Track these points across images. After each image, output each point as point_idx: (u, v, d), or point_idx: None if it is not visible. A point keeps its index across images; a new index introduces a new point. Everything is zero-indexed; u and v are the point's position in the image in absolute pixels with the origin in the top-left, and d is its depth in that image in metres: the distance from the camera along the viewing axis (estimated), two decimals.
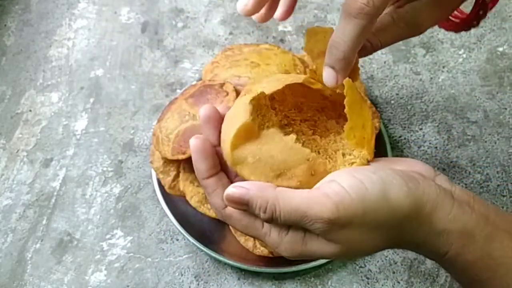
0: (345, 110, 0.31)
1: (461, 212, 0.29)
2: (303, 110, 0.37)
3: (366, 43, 0.36)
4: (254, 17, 0.37)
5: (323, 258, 0.30)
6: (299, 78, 0.34)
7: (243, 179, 0.31)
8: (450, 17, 0.42)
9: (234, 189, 0.29)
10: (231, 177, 0.34)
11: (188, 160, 0.49)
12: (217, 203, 0.32)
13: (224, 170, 0.34)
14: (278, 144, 0.30)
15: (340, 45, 0.31)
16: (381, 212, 0.28)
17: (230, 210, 0.32)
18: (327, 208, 0.27)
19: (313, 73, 0.35)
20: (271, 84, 0.33)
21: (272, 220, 0.29)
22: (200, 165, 0.32)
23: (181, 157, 0.47)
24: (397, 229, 0.29)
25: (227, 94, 0.48)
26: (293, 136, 0.31)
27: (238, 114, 0.31)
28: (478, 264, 0.29)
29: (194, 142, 0.32)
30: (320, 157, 0.32)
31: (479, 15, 0.39)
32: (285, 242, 0.30)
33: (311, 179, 0.30)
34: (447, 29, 0.43)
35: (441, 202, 0.29)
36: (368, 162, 0.32)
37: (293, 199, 0.28)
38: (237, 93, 0.48)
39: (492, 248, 0.29)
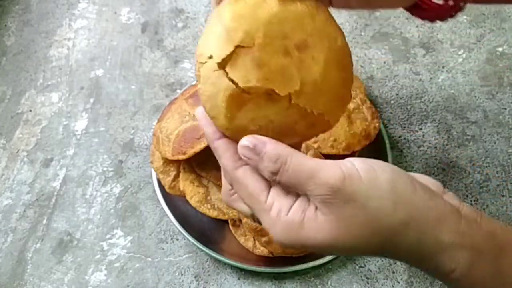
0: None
1: (468, 228, 0.28)
2: None
3: None
4: None
5: (316, 247, 0.28)
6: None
7: None
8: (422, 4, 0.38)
9: (251, 138, 0.29)
10: None
11: (188, 160, 0.49)
12: (228, 165, 0.32)
13: None
14: (272, 108, 0.30)
15: None
16: (385, 203, 0.27)
17: (239, 173, 0.31)
18: (335, 175, 0.27)
19: None
20: (216, 41, 0.30)
21: (277, 173, 0.28)
22: (208, 128, 0.32)
23: (181, 157, 0.47)
24: (397, 230, 0.27)
25: None
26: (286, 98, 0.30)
27: (215, 85, 0.30)
28: (488, 281, 0.28)
29: (200, 109, 0.33)
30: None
31: (452, 6, 0.35)
32: (282, 222, 0.28)
33: (312, 130, 0.32)
34: (422, 18, 0.39)
35: (449, 214, 0.28)
36: None
37: (306, 161, 0.28)
38: None
39: (502, 265, 0.28)
